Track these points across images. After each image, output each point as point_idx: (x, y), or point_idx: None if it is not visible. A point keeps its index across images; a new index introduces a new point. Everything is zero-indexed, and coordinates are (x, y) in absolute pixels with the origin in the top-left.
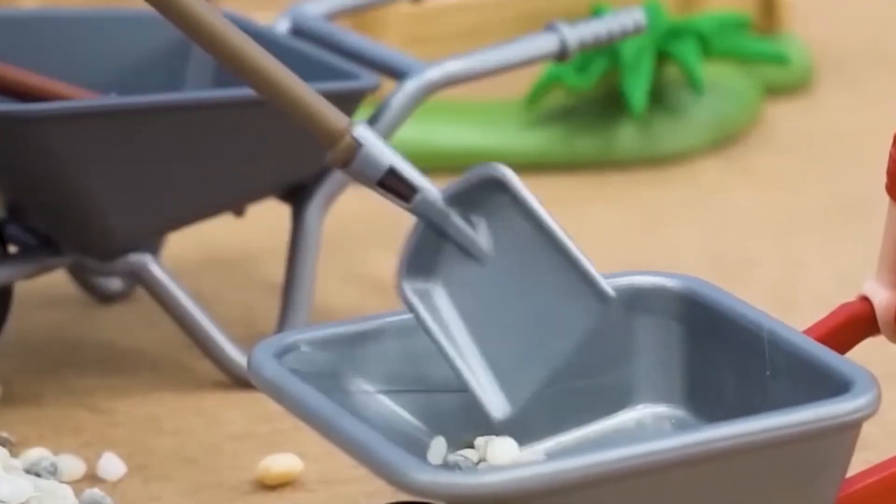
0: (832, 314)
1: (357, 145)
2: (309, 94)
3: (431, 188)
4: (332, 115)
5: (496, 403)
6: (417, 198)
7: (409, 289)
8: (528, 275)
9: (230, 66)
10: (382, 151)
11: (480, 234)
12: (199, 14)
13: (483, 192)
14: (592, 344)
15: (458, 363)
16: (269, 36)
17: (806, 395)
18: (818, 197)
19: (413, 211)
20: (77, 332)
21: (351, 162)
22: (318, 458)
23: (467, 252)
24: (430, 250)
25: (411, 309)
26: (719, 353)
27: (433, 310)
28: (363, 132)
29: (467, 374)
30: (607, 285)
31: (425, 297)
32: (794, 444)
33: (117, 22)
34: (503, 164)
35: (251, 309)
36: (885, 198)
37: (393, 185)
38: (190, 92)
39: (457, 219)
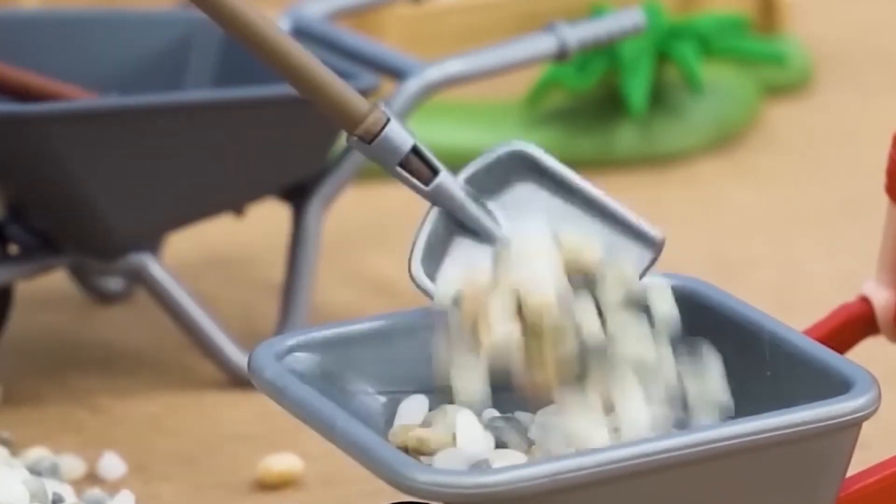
0: (832, 314)
1: (385, 119)
2: (333, 76)
3: (448, 172)
4: (355, 94)
5: None
6: (435, 181)
7: (422, 274)
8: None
9: (251, 48)
10: (405, 130)
11: (497, 220)
12: None
13: (504, 170)
14: None
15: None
16: None
17: (806, 395)
18: (818, 197)
19: (429, 195)
20: (77, 332)
21: (376, 138)
22: (318, 458)
23: (481, 238)
24: (443, 236)
25: (426, 293)
26: (719, 353)
27: None
28: (388, 111)
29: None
30: (654, 229)
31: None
32: (794, 444)
33: (117, 22)
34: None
35: (251, 309)
36: (885, 198)
37: (414, 166)
38: (190, 92)
39: (472, 204)
